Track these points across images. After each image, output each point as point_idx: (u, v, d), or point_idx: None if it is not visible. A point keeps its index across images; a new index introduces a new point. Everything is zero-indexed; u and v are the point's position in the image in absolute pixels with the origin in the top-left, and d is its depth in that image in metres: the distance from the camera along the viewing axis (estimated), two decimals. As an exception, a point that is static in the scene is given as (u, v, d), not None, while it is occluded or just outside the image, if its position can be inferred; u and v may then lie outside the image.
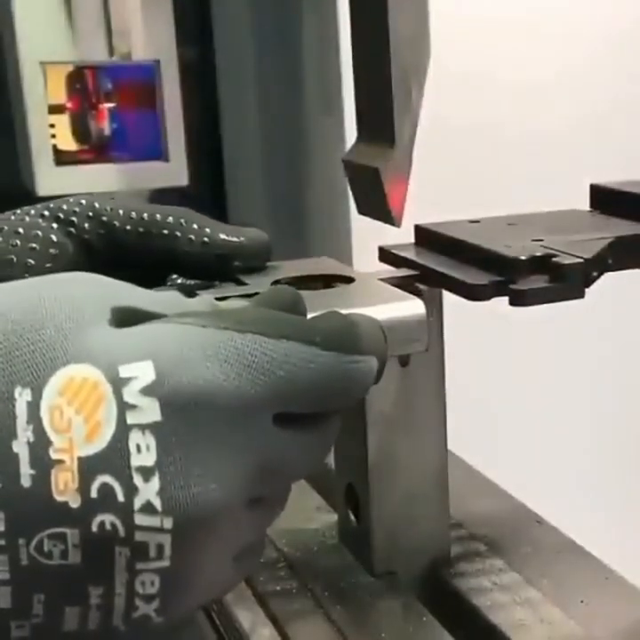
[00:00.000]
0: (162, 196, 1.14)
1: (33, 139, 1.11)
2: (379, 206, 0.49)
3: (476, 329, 1.20)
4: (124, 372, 0.28)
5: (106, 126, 1.16)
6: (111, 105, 1.17)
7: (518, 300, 0.49)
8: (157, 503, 0.28)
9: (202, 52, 1.21)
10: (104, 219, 0.39)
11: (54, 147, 1.12)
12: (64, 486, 0.27)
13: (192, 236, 0.41)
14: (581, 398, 1.51)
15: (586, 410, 1.52)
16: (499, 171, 1.38)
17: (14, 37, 1.11)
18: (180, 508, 0.28)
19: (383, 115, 0.46)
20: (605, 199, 0.63)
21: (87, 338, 0.29)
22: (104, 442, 0.28)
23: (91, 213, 0.39)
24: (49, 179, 1.11)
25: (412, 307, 0.44)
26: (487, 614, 0.54)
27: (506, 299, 0.50)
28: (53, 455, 0.27)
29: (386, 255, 0.58)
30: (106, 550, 0.28)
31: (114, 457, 0.28)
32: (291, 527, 0.62)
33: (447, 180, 1.26)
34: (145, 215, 0.40)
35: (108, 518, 0.27)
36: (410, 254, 0.57)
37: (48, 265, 0.39)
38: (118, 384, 0.28)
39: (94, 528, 0.27)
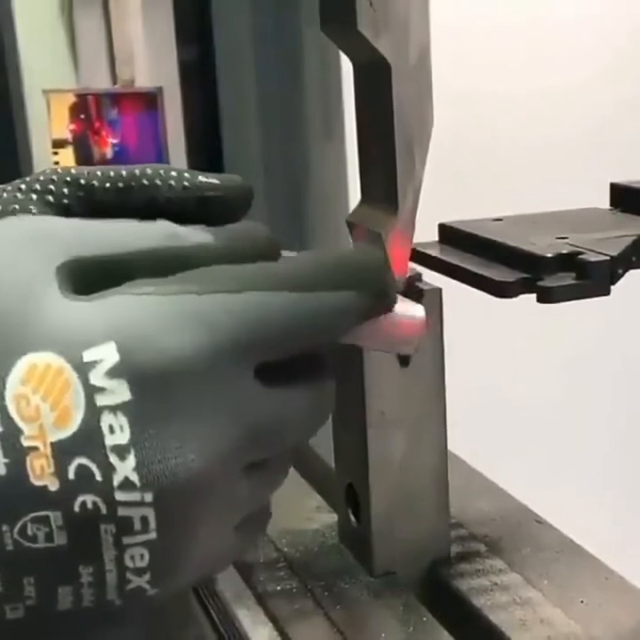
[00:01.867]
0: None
1: (36, 165, 1.12)
2: None
3: (476, 329, 1.20)
4: (87, 356, 0.28)
5: (108, 152, 1.17)
6: (114, 131, 1.18)
7: (545, 297, 0.49)
8: (135, 478, 0.28)
9: (202, 49, 1.22)
10: (82, 181, 0.39)
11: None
12: (41, 471, 0.27)
13: (172, 182, 0.40)
14: (581, 398, 1.51)
15: (586, 410, 1.52)
16: (517, 170, 1.38)
17: (18, 67, 1.11)
18: (159, 481, 0.28)
19: (387, 181, 0.46)
20: (625, 197, 0.63)
21: (42, 319, 0.28)
22: (75, 426, 0.28)
23: (68, 179, 0.39)
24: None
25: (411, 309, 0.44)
26: (487, 614, 0.54)
27: (507, 299, 0.50)
28: (25, 442, 0.27)
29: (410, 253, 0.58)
30: (91, 529, 0.28)
31: (87, 439, 0.28)
32: (291, 527, 0.62)
33: (463, 181, 1.26)
34: (123, 172, 0.39)
35: (88, 498, 0.28)
36: (435, 252, 0.57)
37: None
38: (83, 369, 0.28)
39: (76, 508, 0.28)
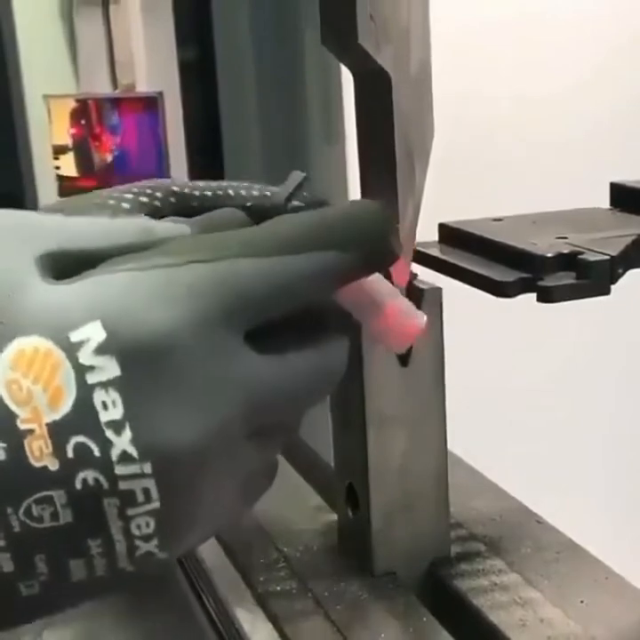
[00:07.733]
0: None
1: (37, 170, 1.12)
2: None
3: (475, 329, 1.20)
4: (74, 336, 0.29)
5: (109, 157, 1.17)
6: (114, 136, 1.18)
7: (545, 296, 0.49)
8: (133, 451, 0.29)
9: (202, 51, 1.22)
10: (175, 189, 0.40)
11: (58, 177, 1.13)
12: (39, 452, 0.28)
13: (255, 192, 0.41)
14: (582, 398, 1.51)
15: (587, 409, 1.52)
16: (516, 171, 1.38)
17: (18, 71, 1.12)
18: (156, 452, 0.29)
19: (387, 194, 0.46)
20: (625, 197, 0.63)
21: (26, 305, 0.29)
22: (68, 405, 0.28)
23: (163, 185, 0.40)
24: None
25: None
26: (487, 614, 0.54)
27: (507, 299, 0.50)
28: (22, 426, 0.28)
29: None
30: (94, 504, 0.29)
31: (82, 417, 0.28)
32: (291, 527, 0.62)
33: (464, 181, 1.26)
34: (212, 183, 0.40)
35: (89, 474, 0.28)
36: (435, 251, 0.57)
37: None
38: (71, 349, 0.28)
39: (78, 485, 0.28)
